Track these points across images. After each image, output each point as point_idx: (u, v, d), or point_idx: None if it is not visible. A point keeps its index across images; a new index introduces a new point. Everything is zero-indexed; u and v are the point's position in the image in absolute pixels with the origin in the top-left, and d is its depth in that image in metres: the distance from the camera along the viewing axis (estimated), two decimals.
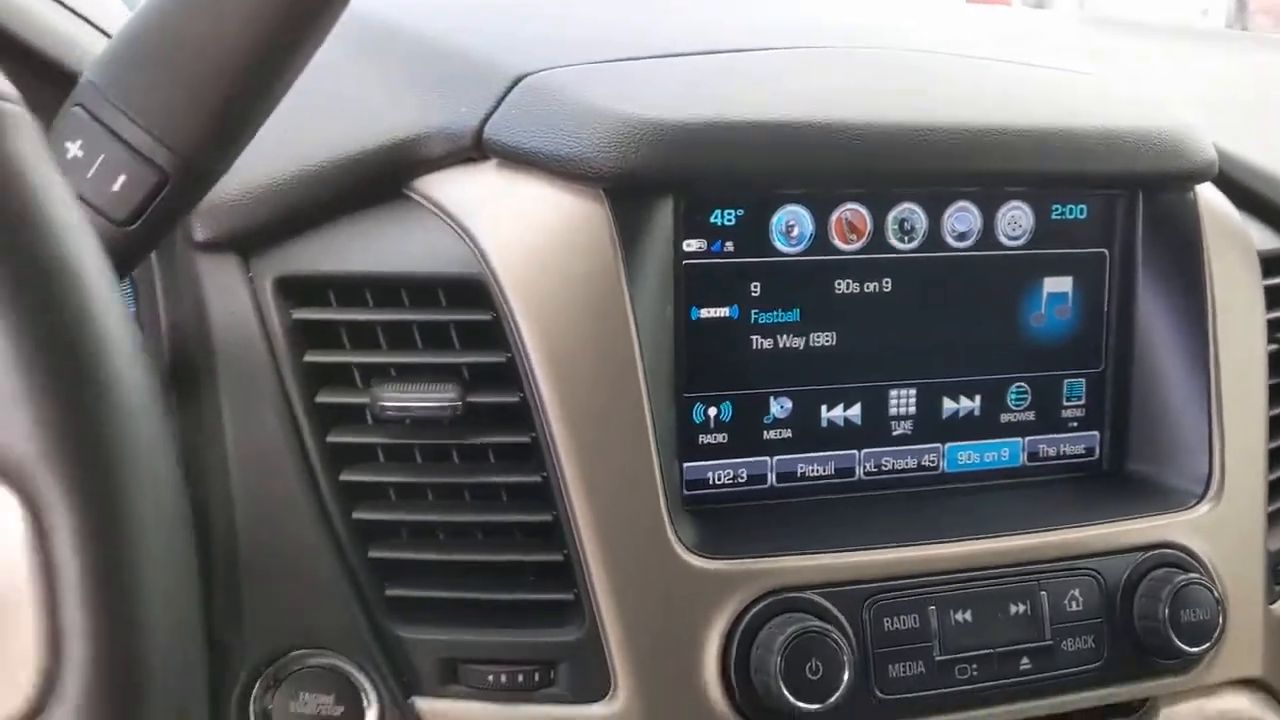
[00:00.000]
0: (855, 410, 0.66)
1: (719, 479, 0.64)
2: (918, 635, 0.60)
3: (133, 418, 0.32)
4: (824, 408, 0.66)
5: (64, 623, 0.30)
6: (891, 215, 0.66)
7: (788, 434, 0.65)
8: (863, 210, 0.65)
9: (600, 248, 0.58)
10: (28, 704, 0.30)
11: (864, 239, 0.65)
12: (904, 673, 0.60)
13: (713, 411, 0.64)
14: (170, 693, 0.32)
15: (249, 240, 0.59)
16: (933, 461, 0.68)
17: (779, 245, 0.64)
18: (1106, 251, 0.70)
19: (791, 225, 0.64)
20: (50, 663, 0.30)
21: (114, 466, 0.31)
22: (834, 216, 0.64)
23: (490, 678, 0.57)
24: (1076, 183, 0.69)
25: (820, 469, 0.66)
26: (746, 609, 0.58)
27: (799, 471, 0.66)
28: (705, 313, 0.63)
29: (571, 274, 0.58)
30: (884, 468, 0.67)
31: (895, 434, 0.67)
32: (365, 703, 0.57)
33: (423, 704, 0.58)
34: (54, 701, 0.30)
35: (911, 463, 0.68)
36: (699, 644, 0.57)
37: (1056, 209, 0.69)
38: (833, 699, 0.56)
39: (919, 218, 0.66)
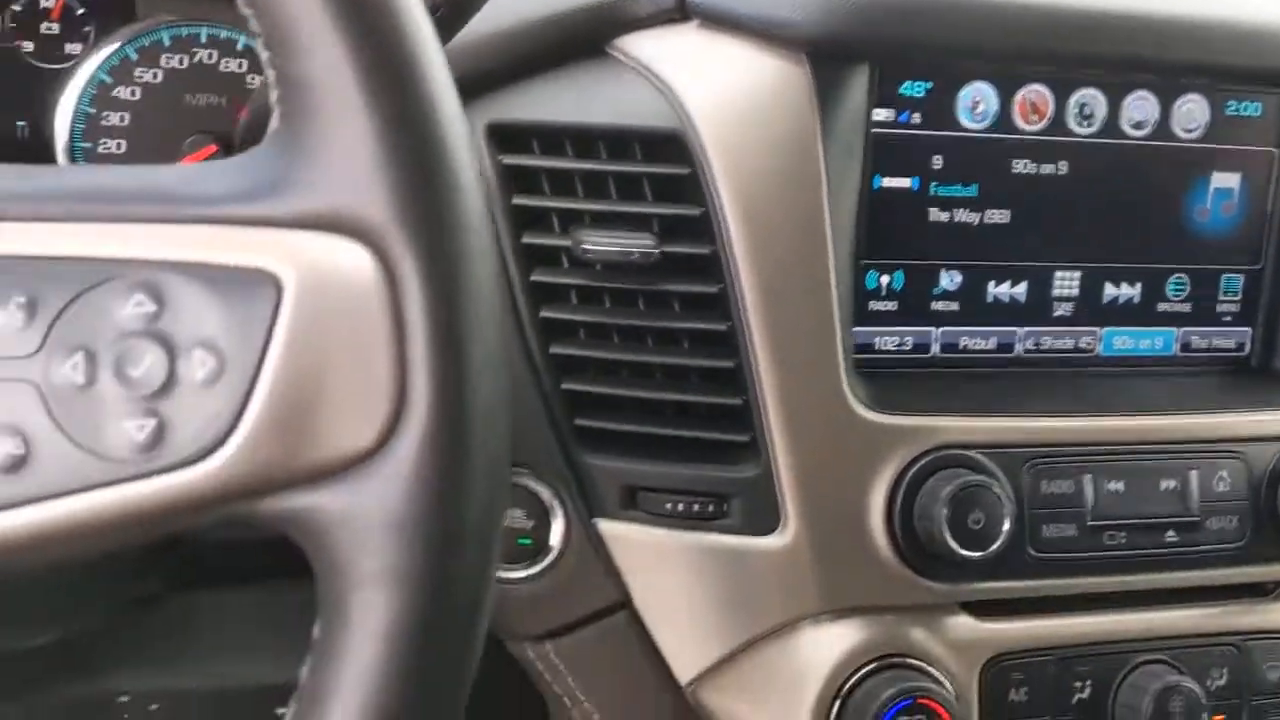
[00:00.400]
0: (1021, 288, 0.70)
1: (885, 345, 0.68)
2: (1072, 500, 0.65)
3: (471, 195, 0.37)
4: (991, 283, 0.69)
5: (410, 367, 0.36)
6: (1073, 99, 0.68)
7: (954, 306, 0.69)
8: (1046, 92, 0.68)
9: (799, 110, 0.62)
10: (377, 437, 0.36)
11: (1045, 120, 0.68)
12: (1056, 534, 0.65)
13: (885, 279, 0.68)
14: (488, 443, 0.37)
15: (466, 86, 0.62)
16: (1089, 344, 0.72)
17: (964, 121, 0.67)
18: (1276, 151, 0.73)
19: (977, 102, 0.67)
20: (398, 401, 0.36)
21: (456, 236, 0.36)
22: (1018, 96, 0.68)
23: (668, 505, 0.63)
24: (1253, 78, 0.71)
25: (982, 343, 0.70)
26: (913, 461, 0.63)
27: (961, 344, 0.70)
28: (887, 182, 0.66)
29: (770, 134, 0.62)
30: (1042, 346, 0.71)
31: (1056, 314, 0.71)
32: (552, 519, 0.63)
33: (604, 525, 0.64)
34: (397, 438, 0.36)
35: (1069, 344, 0.72)
36: (867, 490, 0.62)
37: (1231, 105, 0.71)
38: (992, 548, 0.61)
39: (1099, 103, 0.69)
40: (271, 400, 0.35)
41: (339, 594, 0.37)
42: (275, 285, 0.36)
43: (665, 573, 0.64)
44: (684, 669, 0.64)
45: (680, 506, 0.63)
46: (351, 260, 0.36)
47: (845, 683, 0.62)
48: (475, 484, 0.37)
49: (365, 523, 0.36)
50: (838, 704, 0.61)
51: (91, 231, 0.36)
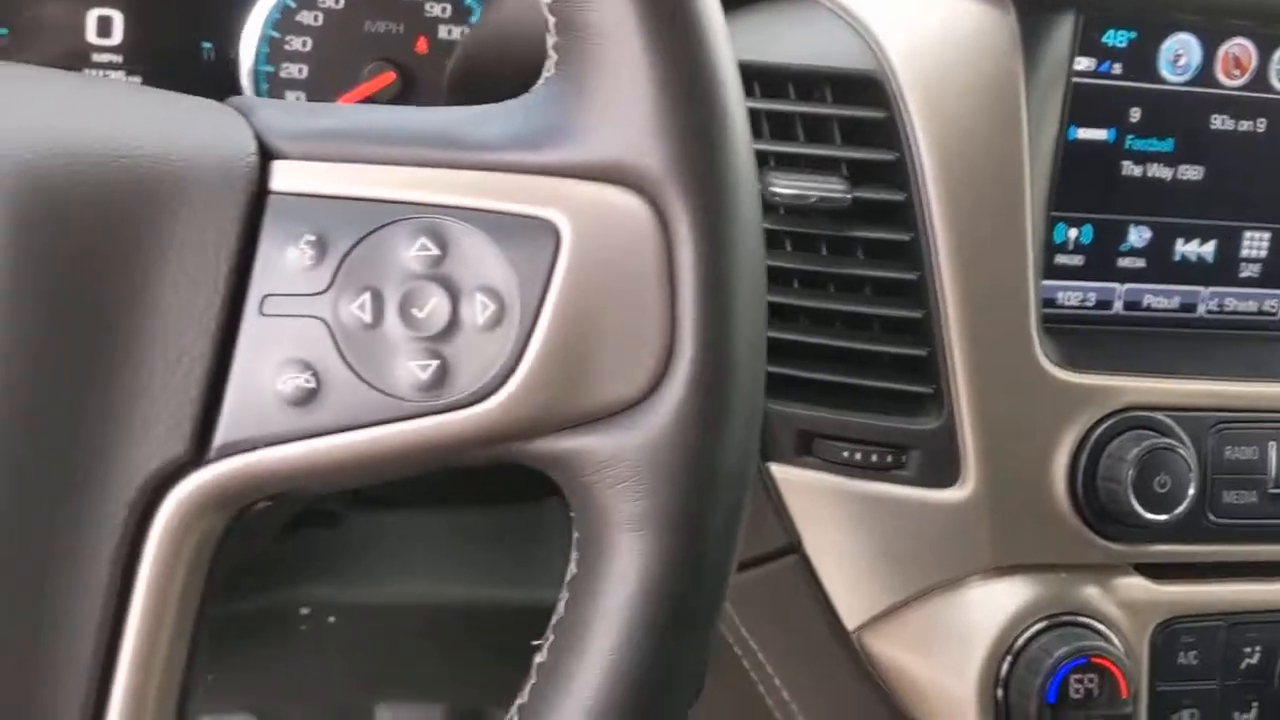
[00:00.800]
0: (1209, 247, 0.69)
1: (1068, 300, 0.69)
2: (1254, 467, 0.65)
3: (745, 149, 0.38)
4: (1179, 241, 0.69)
5: (679, 317, 0.37)
6: (1276, 55, 0.67)
7: (1140, 263, 0.69)
8: (1250, 46, 0.67)
9: (1002, 56, 0.62)
10: (646, 385, 0.37)
11: (1247, 76, 0.67)
12: (1237, 500, 0.65)
13: (1073, 233, 0.68)
14: (748, 393, 0.38)
15: None
16: (1273, 308, 0.71)
17: (1164, 73, 0.66)
18: None
19: (1180, 54, 0.66)
20: (666, 351, 0.37)
21: (730, 190, 0.37)
22: (1221, 50, 0.67)
23: (844, 453, 0.64)
24: None
25: (1165, 301, 0.70)
26: (1100, 421, 0.63)
27: (1145, 302, 0.69)
28: (1083, 133, 0.66)
29: (972, 80, 0.62)
30: (1225, 308, 0.71)
31: (1242, 275, 0.70)
32: None
33: (777, 469, 0.65)
34: (663, 386, 0.37)
35: (1253, 306, 0.71)
36: (1051, 448, 0.63)
37: None
38: (1176, 512, 0.62)
39: None
40: (548, 346, 0.37)
41: (599, 534, 0.38)
42: (554, 234, 0.37)
43: (837, 520, 0.65)
44: (851, 615, 0.66)
45: (857, 455, 0.64)
46: (627, 211, 0.37)
47: (1017, 639, 0.63)
48: (734, 432, 0.38)
49: (629, 467, 0.38)
50: (1009, 660, 0.63)
51: (380, 173, 0.37)
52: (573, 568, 0.39)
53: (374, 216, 0.37)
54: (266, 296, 0.37)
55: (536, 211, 0.37)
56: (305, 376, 0.37)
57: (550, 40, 0.38)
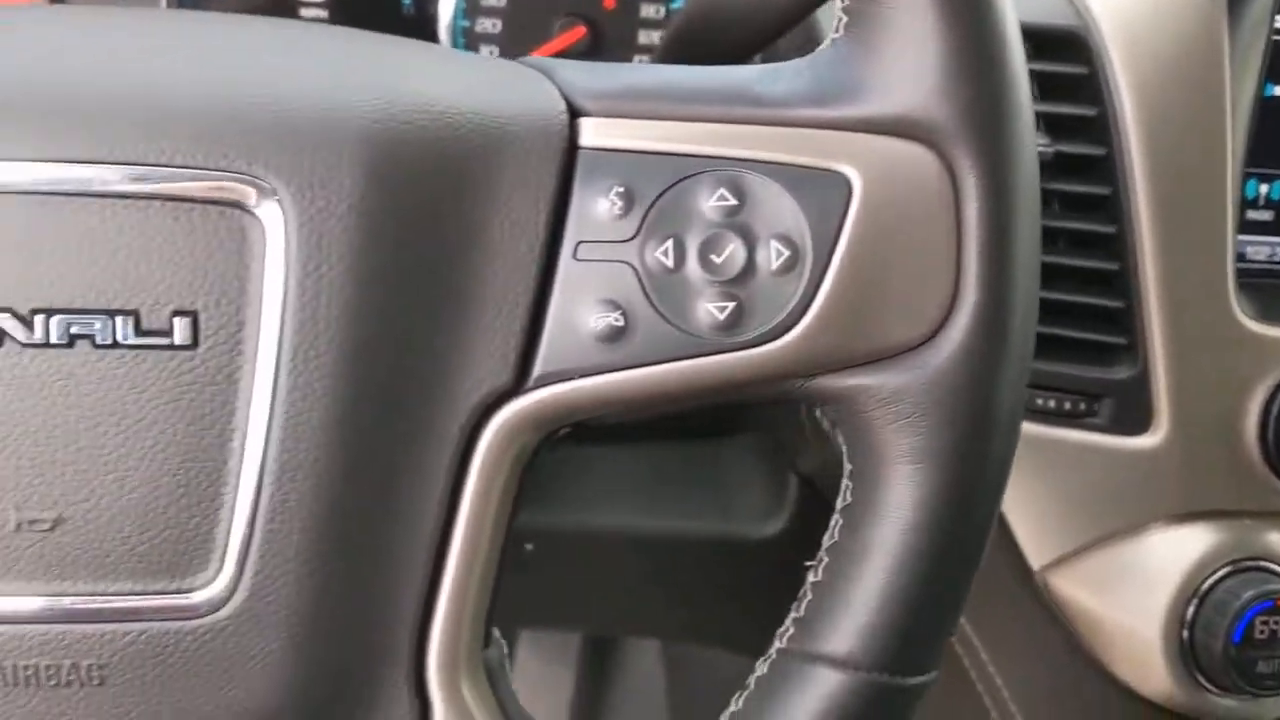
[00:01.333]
0: None
1: (1256, 255, 0.71)
2: None
3: (1028, 106, 0.41)
4: None
5: (964, 266, 0.41)
6: None
7: None
8: None
9: (1206, 13, 0.64)
10: (929, 329, 0.41)
11: None
12: None
13: (1264, 189, 0.70)
14: (1023, 339, 0.42)
15: None
16: None
17: None
18: None
19: None
20: (950, 297, 0.41)
21: (1016, 145, 0.41)
22: None
23: (1039, 401, 0.67)
24: None
25: None
26: None
27: None
28: (1279, 91, 0.68)
29: (1175, 36, 0.64)
30: None
31: None
32: None
33: None
34: (945, 330, 0.41)
35: None
36: (1244, 398, 0.66)
37: None
38: None
39: None
40: (837, 292, 0.41)
41: (876, 467, 0.42)
42: (846, 185, 0.41)
43: (1027, 465, 0.68)
44: (1036, 556, 0.69)
45: (1050, 403, 0.67)
46: (916, 164, 0.41)
47: (1203, 582, 0.66)
48: (1010, 374, 0.42)
49: (911, 404, 0.41)
50: (1195, 602, 0.66)
51: (681, 129, 0.41)
52: (846, 496, 0.43)
53: (677, 169, 0.41)
54: (580, 243, 0.41)
55: (829, 164, 0.41)
56: (615, 315, 0.41)
57: (840, 4, 0.42)
